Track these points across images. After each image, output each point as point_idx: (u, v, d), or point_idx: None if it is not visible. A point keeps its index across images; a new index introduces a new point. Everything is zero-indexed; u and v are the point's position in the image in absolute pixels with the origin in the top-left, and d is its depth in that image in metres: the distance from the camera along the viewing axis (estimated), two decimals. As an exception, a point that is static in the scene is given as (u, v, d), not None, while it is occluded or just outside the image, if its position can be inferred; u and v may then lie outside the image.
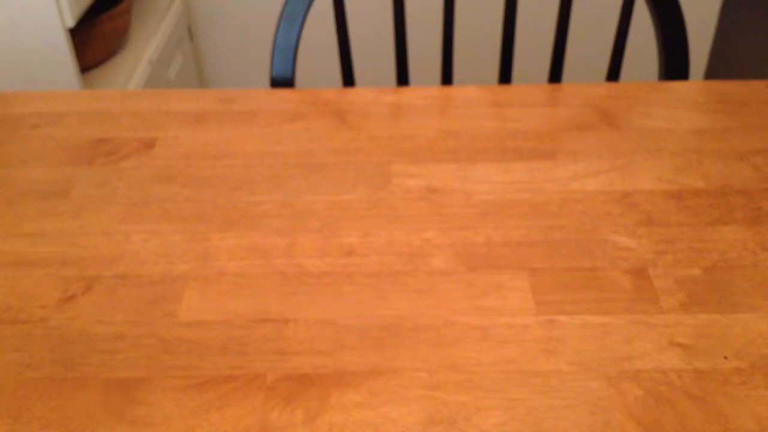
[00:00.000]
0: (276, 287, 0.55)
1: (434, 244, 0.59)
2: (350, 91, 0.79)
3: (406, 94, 0.78)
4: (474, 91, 0.79)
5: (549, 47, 1.64)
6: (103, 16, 1.35)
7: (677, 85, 0.78)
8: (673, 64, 0.87)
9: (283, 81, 0.89)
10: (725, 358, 0.50)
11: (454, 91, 0.79)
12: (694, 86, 0.78)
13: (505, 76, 0.98)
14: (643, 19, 1.68)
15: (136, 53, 1.47)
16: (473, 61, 1.68)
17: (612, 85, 0.78)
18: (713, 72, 1.91)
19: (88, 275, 0.57)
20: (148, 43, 1.53)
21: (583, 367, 0.49)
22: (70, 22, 1.20)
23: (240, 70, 1.89)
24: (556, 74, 0.96)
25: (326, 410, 0.47)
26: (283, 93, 0.79)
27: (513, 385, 0.48)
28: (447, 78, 0.99)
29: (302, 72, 1.85)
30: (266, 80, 1.90)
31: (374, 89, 0.79)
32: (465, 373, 0.49)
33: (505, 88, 0.79)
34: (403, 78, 0.98)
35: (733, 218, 0.61)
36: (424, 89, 0.80)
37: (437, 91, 0.80)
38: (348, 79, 0.98)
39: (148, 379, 0.49)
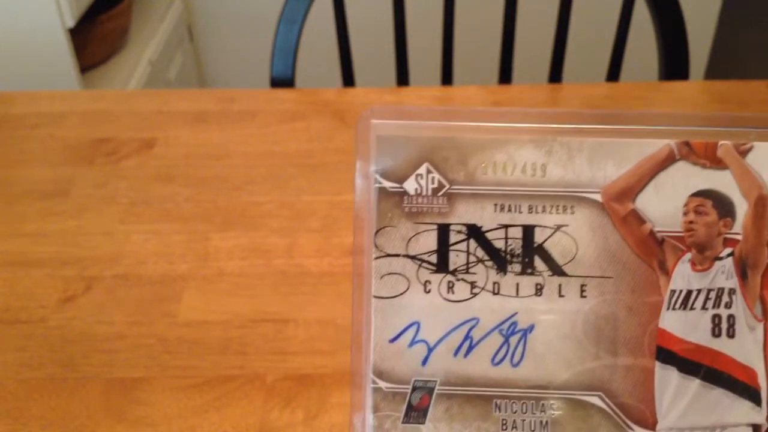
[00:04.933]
0: (276, 287, 0.55)
1: (434, 244, 0.59)
2: (350, 91, 0.79)
3: (406, 94, 0.78)
4: (474, 91, 0.79)
5: (549, 47, 1.63)
6: (103, 16, 1.35)
7: (677, 85, 0.78)
8: (673, 64, 0.87)
9: (283, 81, 0.89)
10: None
11: (454, 91, 0.79)
12: (694, 86, 0.78)
13: (505, 76, 0.98)
14: (643, 19, 1.68)
15: (136, 53, 1.47)
16: (473, 61, 1.68)
17: (612, 85, 0.78)
18: (713, 72, 1.91)
19: (88, 275, 0.57)
20: (148, 43, 1.53)
21: (583, 367, 0.49)
22: (70, 22, 1.20)
23: (240, 70, 1.89)
24: (556, 74, 0.96)
25: (326, 410, 0.47)
26: (283, 93, 0.79)
27: (513, 385, 0.48)
28: (447, 78, 0.99)
29: (302, 72, 1.85)
30: (266, 80, 1.90)
31: (374, 89, 0.79)
32: (465, 373, 0.49)
33: (505, 88, 0.79)
34: (403, 78, 0.98)
35: (733, 218, 0.61)
36: (424, 89, 0.80)
37: (437, 91, 0.80)
38: (348, 79, 0.98)
39: (148, 379, 0.49)
